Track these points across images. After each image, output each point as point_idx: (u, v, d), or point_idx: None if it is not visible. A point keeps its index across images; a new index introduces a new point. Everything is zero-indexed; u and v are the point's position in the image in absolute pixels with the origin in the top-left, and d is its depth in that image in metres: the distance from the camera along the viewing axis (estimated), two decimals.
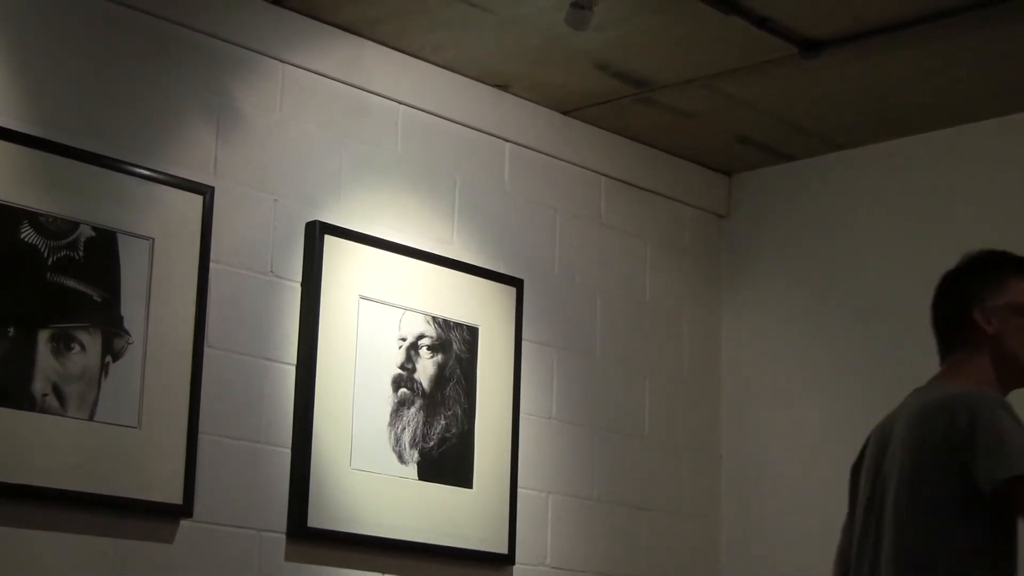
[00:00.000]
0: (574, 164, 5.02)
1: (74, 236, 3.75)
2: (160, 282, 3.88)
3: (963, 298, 3.15)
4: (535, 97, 4.85)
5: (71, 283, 3.73)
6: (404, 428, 4.36)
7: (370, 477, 4.25)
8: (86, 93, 3.87)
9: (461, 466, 4.45)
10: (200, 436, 3.91)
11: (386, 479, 4.30)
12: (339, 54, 4.38)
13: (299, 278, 4.21)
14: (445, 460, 4.43)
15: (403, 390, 4.38)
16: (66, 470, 3.64)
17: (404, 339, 4.41)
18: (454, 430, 4.47)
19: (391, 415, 4.34)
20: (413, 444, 4.37)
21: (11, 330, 3.60)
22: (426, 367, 4.45)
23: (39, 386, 3.63)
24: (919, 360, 4.88)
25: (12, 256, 3.64)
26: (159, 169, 3.94)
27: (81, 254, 3.75)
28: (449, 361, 4.51)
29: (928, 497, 2.95)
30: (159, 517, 3.82)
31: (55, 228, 3.71)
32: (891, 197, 5.08)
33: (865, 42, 4.37)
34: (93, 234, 3.78)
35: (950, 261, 4.86)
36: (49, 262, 3.69)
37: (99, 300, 3.77)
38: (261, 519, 4.04)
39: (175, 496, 3.83)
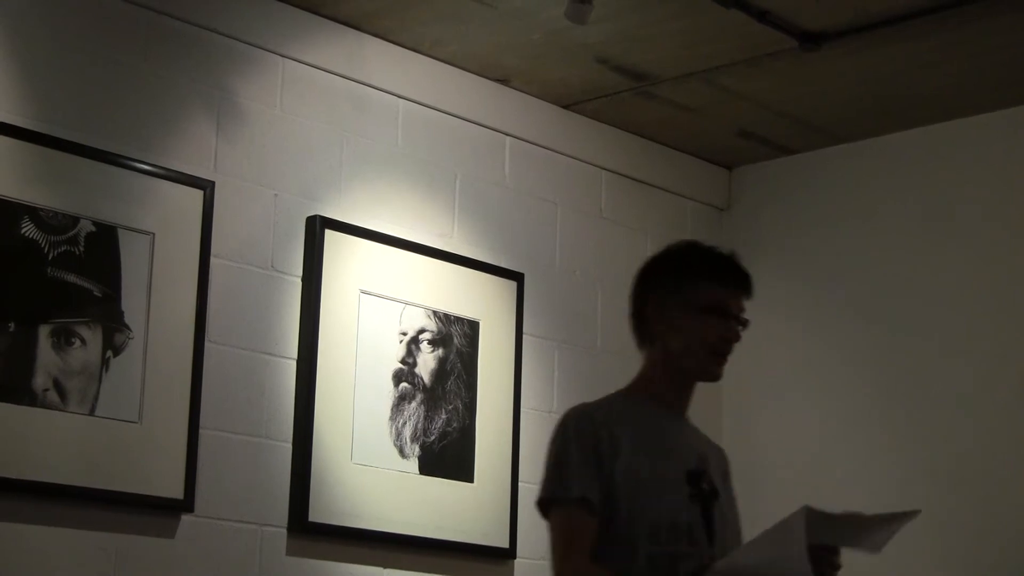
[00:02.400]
0: (574, 158, 5.02)
1: (75, 231, 3.75)
2: (161, 277, 3.88)
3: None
4: (535, 91, 4.85)
5: (72, 278, 3.73)
6: (405, 422, 4.36)
7: (371, 471, 4.25)
8: (86, 88, 3.87)
9: (462, 460, 4.46)
10: (201, 431, 3.91)
11: (387, 473, 4.30)
12: (339, 48, 4.38)
13: (300, 272, 4.21)
14: (446, 454, 4.44)
15: (404, 384, 4.38)
16: (67, 465, 3.65)
17: (405, 333, 4.41)
18: (455, 424, 4.47)
19: (392, 409, 4.34)
20: (414, 438, 4.37)
21: (12, 325, 3.60)
22: (427, 361, 4.45)
23: (40, 381, 3.63)
24: (919, 354, 4.91)
25: (13, 251, 3.64)
26: (159, 164, 3.94)
27: (82, 249, 3.75)
28: (450, 355, 4.51)
29: None
30: (160, 512, 3.82)
31: (56, 223, 3.71)
32: (892, 190, 5.08)
33: (865, 35, 4.36)
34: (94, 229, 3.78)
35: (951, 254, 4.90)
36: (50, 257, 3.69)
37: (100, 295, 3.77)
38: (262, 514, 4.04)
39: (176, 491, 3.83)
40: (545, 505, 2.83)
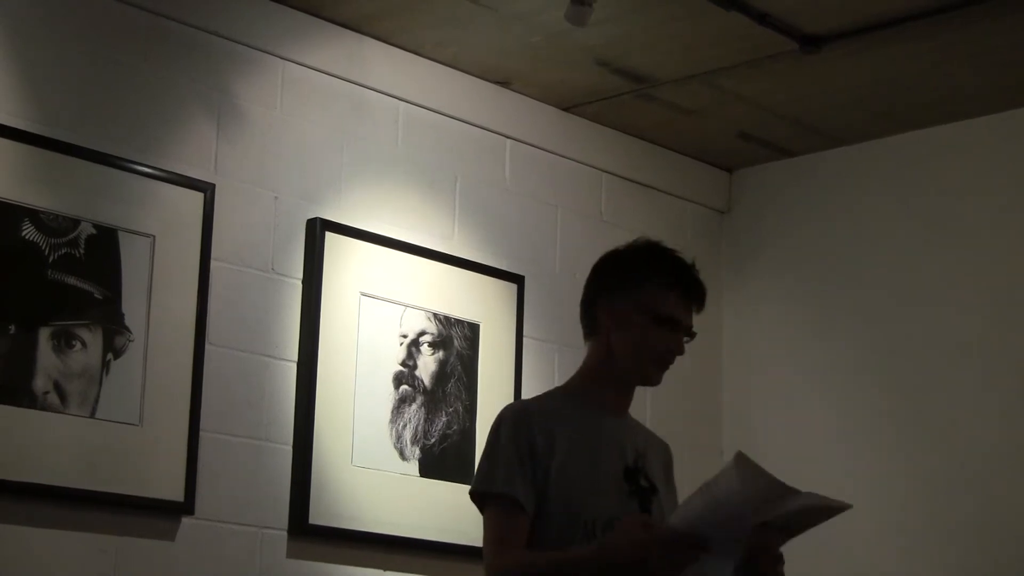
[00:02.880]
0: (575, 160, 5.02)
1: (75, 233, 3.75)
2: (161, 279, 3.88)
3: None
4: (536, 94, 4.85)
5: (72, 280, 3.73)
6: (405, 425, 4.36)
7: (371, 474, 4.25)
8: (87, 90, 3.87)
9: (463, 463, 4.45)
10: (201, 433, 3.91)
11: (387, 476, 4.30)
12: (340, 51, 4.38)
13: (300, 275, 4.21)
14: (446, 457, 4.43)
15: (404, 387, 4.38)
16: (67, 468, 3.64)
17: (405, 336, 4.41)
18: (455, 427, 4.47)
19: (392, 412, 4.34)
20: (414, 441, 4.37)
21: (12, 327, 3.60)
22: (427, 364, 4.45)
23: (40, 384, 3.63)
24: (920, 355, 4.91)
25: (13, 253, 3.63)
26: (160, 166, 3.94)
27: (82, 251, 3.75)
28: (450, 358, 4.51)
29: None
30: (160, 514, 3.82)
31: (56, 225, 3.71)
32: (892, 193, 5.08)
33: (866, 38, 4.36)
34: (94, 231, 3.78)
35: (952, 256, 4.90)
36: (50, 259, 3.69)
37: (100, 297, 3.77)
38: (262, 516, 4.04)
39: (176, 493, 3.83)
40: (477, 499, 2.86)
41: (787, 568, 5.27)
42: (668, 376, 3.01)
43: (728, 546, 2.64)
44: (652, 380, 2.94)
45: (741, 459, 2.63)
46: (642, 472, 2.91)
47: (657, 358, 2.90)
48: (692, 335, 2.94)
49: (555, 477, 2.79)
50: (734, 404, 5.34)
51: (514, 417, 2.86)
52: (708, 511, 2.59)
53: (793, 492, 2.68)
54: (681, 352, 2.93)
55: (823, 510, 2.80)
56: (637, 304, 2.88)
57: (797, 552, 5.01)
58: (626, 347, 2.89)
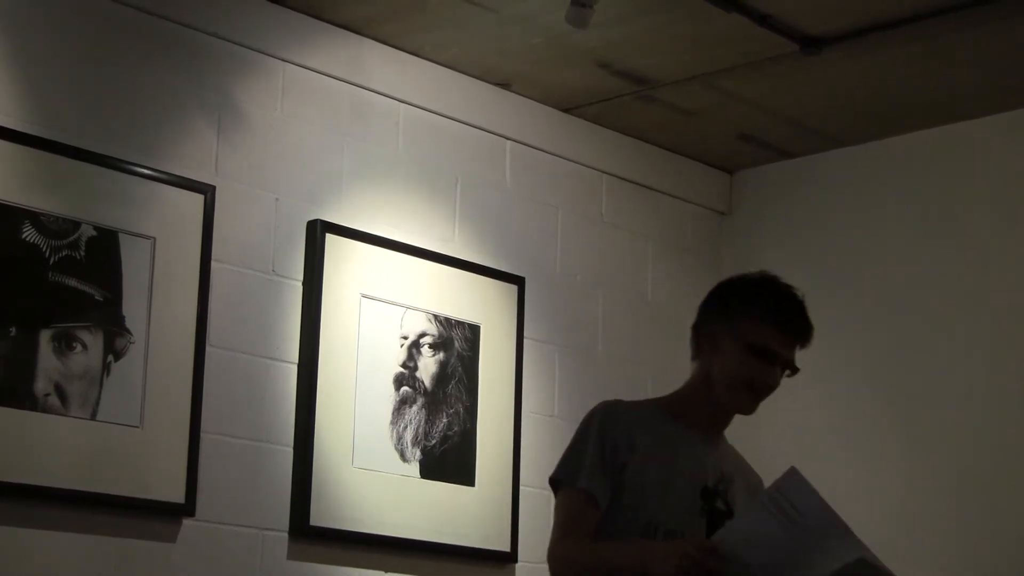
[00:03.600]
0: (575, 162, 5.02)
1: (75, 236, 3.75)
2: (162, 281, 3.88)
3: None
4: (536, 95, 4.85)
5: (73, 283, 3.73)
6: (406, 426, 4.36)
7: (372, 475, 4.25)
8: (87, 93, 3.87)
9: (463, 464, 4.46)
10: (202, 435, 3.92)
11: (388, 477, 4.30)
12: (340, 53, 4.38)
13: (300, 277, 4.21)
14: (447, 458, 4.44)
15: (405, 388, 4.38)
16: (68, 470, 3.65)
17: (406, 337, 4.41)
18: (456, 428, 4.47)
19: (393, 413, 4.34)
20: (415, 442, 4.37)
21: (13, 330, 3.61)
22: (428, 365, 4.45)
23: (41, 386, 3.64)
24: (921, 356, 4.91)
25: (14, 256, 3.64)
26: (160, 168, 3.94)
27: (83, 253, 3.75)
28: (451, 359, 4.51)
29: None
30: (161, 516, 3.82)
31: (56, 228, 3.72)
32: (892, 194, 5.08)
33: (866, 39, 4.36)
34: (95, 233, 3.79)
35: (953, 257, 4.90)
36: (51, 262, 3.69)
37: (101, 299, 3.77)
38: (263, 518, 4.04)
39: (177, 495, 3.83)
40: (554, 484, 2.91)
41: None
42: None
43: None
44: (744, 409, 2.97)
45: (793, 471, 2.62)
46: (721, 495, 2.95)
47: (749, 387, 2.92)
48: (794, 370, 2.98)
49: (629, 477, 2.84)
50: None
51: (604, 413, 2.92)
52: (752, 529, 2.60)
53: (845, 530, 2.63)
54: (775, 385, 2.96)
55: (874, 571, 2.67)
56: (736, 332, 2.92)
57: None
58: (722, 374, 2.93)
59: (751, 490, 3.04)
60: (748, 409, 2.98)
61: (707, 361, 2.96)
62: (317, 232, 4.23)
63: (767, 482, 2.82)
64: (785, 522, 2.59)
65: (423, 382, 4.42)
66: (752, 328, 2.91)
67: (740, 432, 5.42)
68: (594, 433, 2.88)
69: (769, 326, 2.92)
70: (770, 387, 2.95)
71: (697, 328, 3.00)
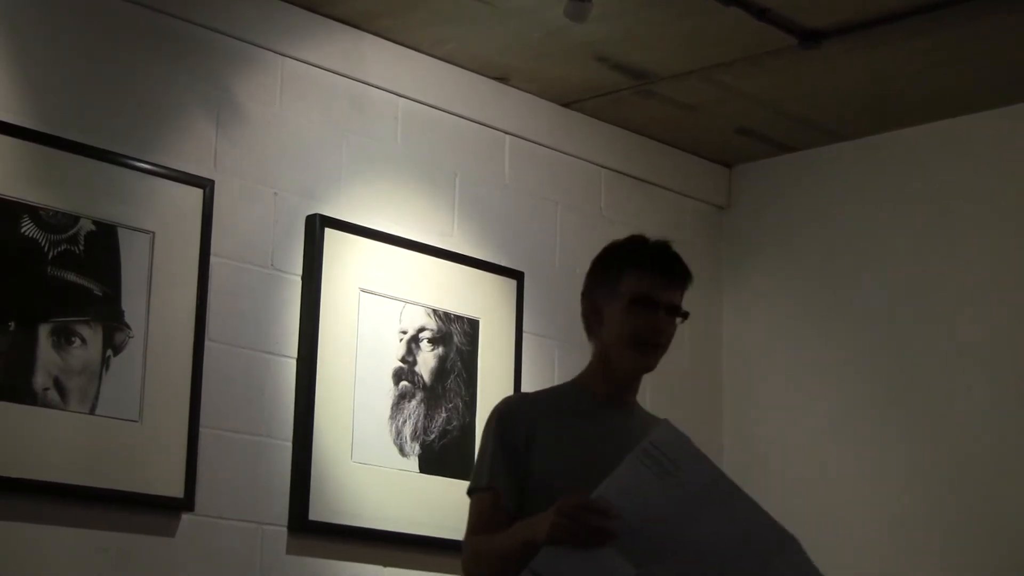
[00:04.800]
0: (574, 156, 5.02)
1: (74, 230, 3.75)
2: (161, 276, 3.88)
3: None
4: (535, 89, 4.85)
5: (72, 277, 3.73)
6: (405, 421, 4.36)
7: (371, 470, 4.25)
8: (86, 87, 3.87)
9: (462, 459, 4.45)
10: (201, 430, 3.91)
11: (387, 472, 4.30)
12: (339, 47, 4.38)
13: (299, 271, 4.21)
14: (446, 453, 4.44)
15: (404, 383, 4.38)
16: (67, 464, 3.65)
17: (405, 332, 4.41)
18: (455, 423, 4.47)
19: (392, 408, 4.34)
20: (414, 437, 4.37)
21: (12, 324, 3.61)
22: (427, 360, 4.45)
23: (40, 380, 3.64)
24: (920, 352, 4.91)
25: (13, 250, 3.64)
26: (159, 163, 3.94)
27: (82, 248, 3.75)
28: (450, 354, 4.51)
29: None
30: (160, 511, 3.82)
31: (55, 222, 3.71)
32: (891, 188, 5.08)
33: (865, 33, 4.36)
34: (93, 228, 3.78)
35: (951, 251, 4.89)
36: (50, 256, 3.69)
37: (100, 294, 3.77)
38: (262, 512, 4.04)
39: (176, 490, 3.83)
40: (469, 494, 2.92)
41: None
42: (667, 369, 2.99)
43: (635, 540, 2.52)
44: (643, 366, 2.90)
45: (666, 423, 2.56)
46: None
47: (640, 340, 2.86)
48: (682, 315, 2.90)
49: (536, 473, 2.81)
50: (733, 400, 5.33)
51: (499, 412, 2.90)
52: (629, 483, 2.52)
53: (731, 488, 2.59)
54: (664, 331, 2.87)
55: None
56: (612, 292, 2.87)
57: None
58: (612, 338, 2.87)
59: None
60: (647, 364, 2.89)
61: (598, 333, 2.91)
62: (316, 226, 4.23)
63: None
64: (662, 475, 2.54)
65: (422, 377, 4.42)
66: (627, 282, 2.85)
67: (740, 432, 5.42)
68: (493, 434, 2.85)
69: (643, 273, 2.85)
70: (661, 334, 2.86)
71: (583, 309, 2.94)
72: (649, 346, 2.87)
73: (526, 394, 3.03)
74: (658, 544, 2.53)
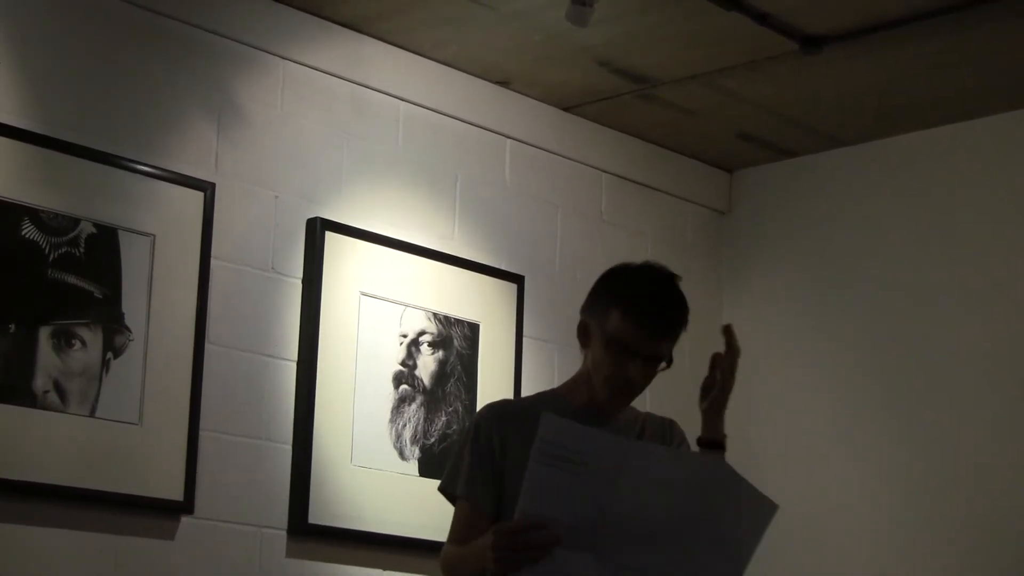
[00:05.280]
0: (575, 160, 5.02)
1: (75, 233, 3.75)
2: (161, 278, 3.88)
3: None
4: (536, 94, 4.85)
5: (72, 279, 3.73)
6: (405, 424, 4.36)
7: (371, 473, 4.25)
8: (87, 90, 3.87)
9: None
10: (201, 433, 3.91)
11: (387, 475, 4.30)
12: (340, 50, 4.38)
13: (300, 274, 4.21)
14: (446, 457, 4.43)
15: (404, 386, 4.38)
16: (67, 467, 3.64)
17: (405, 335, 4.41)
18: (455, 426, 4.47)
19: (392, 411, 4.34)
20: (414, 440, 4.37)
21: (12, 327, 3.60)
22: (427, 363, 4.45)
23: (40, 383, 3.63)
24: (920, 356, 4.91)
25: (13, 252, 3.63)
26: (160, 165, 3.94)
27: (82, 250, 3.75)
28: (450, 357, 4.51)
29: None
30: (160, 514, 3.82)
31: (56, 225, 3.71)
32: (892, 193, 5.08)
33: (866, 38, 4.36)
34: (94, 230, 3.78)
35: (952, 256, 4.90)
36: (50, 259, 3.69)
37: (100, 296, 3.77)
38: (262, 516, 4.04)
39: (176, 493, 3.83)
40: (443, 494, 2.92)
41: (783, 566, 5.29)
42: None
43: (584, 535, 2.49)
44: (613, 404, 2.88)
45: (547, 418, 2.52)
46: None
47: (615, 383, 2.84)
48: (663, 362, 2.87)
49: (508, 484, 2.80)
50: (734, 404, 5.29)
51: (479, 418, 2.90)
52: (543, 487, 2.49)
53: (642, 449, 2.57)
54: (637, 381, 2.85)
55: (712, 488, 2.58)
56: (600, 326, 2.85)
57: (796, 550, 5.02)
58: (592, 367, 2.87)
59: (658, 437, 2.98)
60: (619, 404, 2.88)
61: (585, 352, 2.91)
62: (316, 230, 4.23)
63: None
64: (570, 467, 2.49)
65: (422, 380, 4.42)
66: (612, 321, 2.82)
67: (740, 435, 5.43)
68: (470, 441, 2.86)
69: (628, 320, 2.80)
70: (630, 382, 2.84)
71: (579, 322, 2.93)
72: (619, 391, 2.85)
73: (509, 401, 3.03)
74: (606, 531, 2.50)
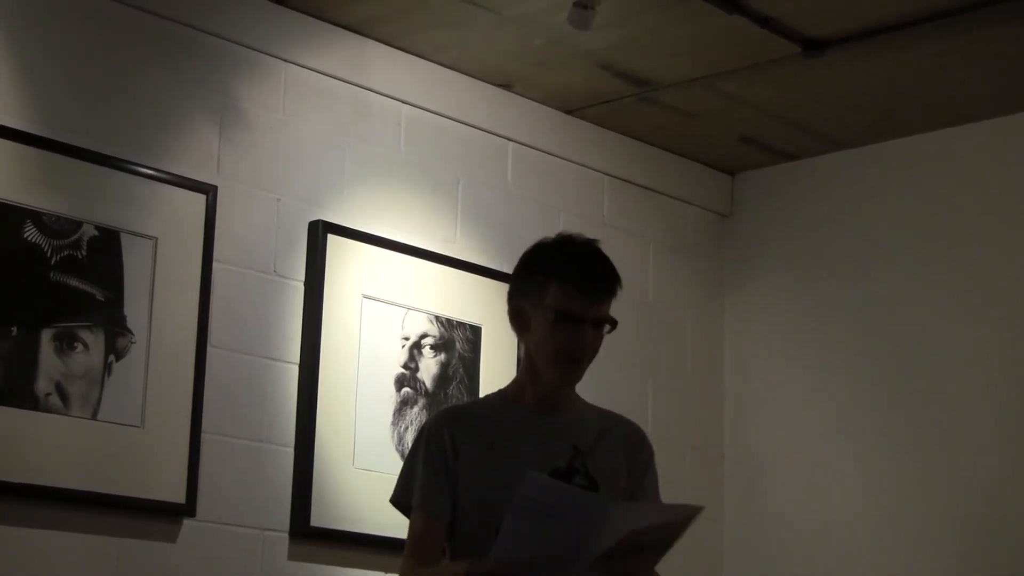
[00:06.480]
0: (577, 164, 5.02)
1: (77, 235, 3.75)
2: (163, 281, 3.88)
3: None
4: (538, 97, 4.85)
5: (74, 282, 3.73)
6: (407, 427, 4.36)
7: (373, 476, 4.25)
8: (89, 93, 3.87)
9: None
10: (203, 435, 3.91)
11: (389, 478, 4.24)
12: (342, 53, 4.39)
13: (302, 277, 4.21)
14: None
15: (406, 389, 4.38)
16: (69, 469, 3.65)
17: (407, 338, 4.41)
18: None
19: (394, 414, 4.34)
20: None
21: (14, 329, 3.61)
22: (429, 366, 4.45)
23: (42, 385, 3.64)
24: (920, 358, 4.91)
25: (15, 255, 3.64)
26: (162, 168, 3.94)
27: (84, 253, 3.75)
28: (452, 360, 4.51)
29: None
30: (162, 516, 3.82)
31: (58, 227, 3.72)
32: (893, 196, 5.08)
33: (868, 42, 4.36)
34: (96, 233, 3.79)
35: (953, 259, 4.90)
36: (52, 261, 3.69)
37: (102, 299, 3.77)
38: (264, 518, 4.04)
39: (178, 495, 3.83)
40: (395, 505, 2.89)
41: (785, 566, 5.27)
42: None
43: (553, 565, 2.54)
44: (567, 380, 2.85)
45: (531, 477, 2.55)
46: (580, 471, 2.82)
47: (564, 357, 2.80)
48: (610, 323, 2.82)
49: (462, 489, 2.79)
50: (735, 406, 5.33)
51: (429, 425, 2.88)
52: (521, 537, 2.53)
53: (621, 508, 2.58)
54: (591, 347, 2.81)
55: (676, 523, 2.59)
56: (539, 305, 2.81)
57: (796, 549, 5.02)
58: (536, 349, 2.83)
59: (623, 446, 2.91)
60: (571, 379, 2.84)
61: (524, 339, 2.86)
62: (319, 232, 4.23)
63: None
64: (551, 523, 2.52)
65: (424, 383, 4.42)
66: (552, 297, 2.78)
67: (741, 437, 5.42)
68: (421, 450, 2.83)
69: (568, 289, 2.77)
70: (584, 350, 2.80)
71: (509, 312, 2.89)
72: (574, 361, 2.82)
73: (457, 406, 3.02)
74: (572, 561, 2.53)
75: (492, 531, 2.64)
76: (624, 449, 2.92)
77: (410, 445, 2.97)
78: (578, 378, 2.87)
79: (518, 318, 2.87)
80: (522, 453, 2.81)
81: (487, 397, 3.03)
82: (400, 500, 2.88)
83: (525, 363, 2.90)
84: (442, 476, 2.80)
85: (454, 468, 2.80)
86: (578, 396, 2.95)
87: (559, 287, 2.79)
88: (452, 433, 2.82)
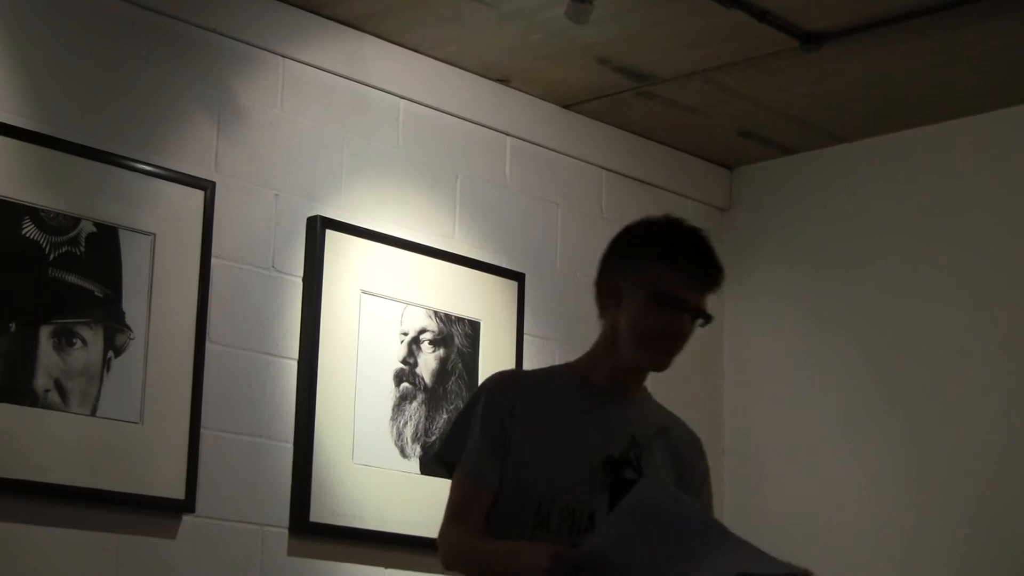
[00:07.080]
0: (575, 158, 5.02)
1: (75, 232, 3.75)
2: (162, 277, 3.88)
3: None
4: (536, 91, 4.85)
5: (73, 279, 3.73)
6: (406, 423, 4.36)
7: (372, 472, 4.25)
8: (87, 89, 3.87)
9: None
10: (202, 431, 3.92)
11: (388, 474, 4.30)
12: (340, 48, 4.38)
13: (300, 273, 4.21)
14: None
15: (405, 384, 4.38)
16: (68, 466, 3.65)
17: (406, 334, 4.41)
18: None
19: (393, 409, 4.34)
20: (415, 439, 4.37)
21: (13, 326, 3.61)
22: (428, 361, 4.45)
23: (41, 382, 3.64)
24: (920, 353, 4.91)
25: (14, 252, 3.64)
26: (160, 164, 3.94)
27: (82, 250, 3.75)
28: (451, 355, 4.51)
29: None
30: (161, 512, 3.82)
31: (56, 224, 3.71)
32: (892, 190, 5.08)
33: (866, 35, 4.36)
34: (94, 230, 3.78)
35: (952, 253, 4.90)
36: (51, 258, 3.69)
37: (101, 296, 3.77)
38: (263, 514, 4.04)
39: (177, 491, 3.83)
40: (442, 463, 2.79)
41: (788, 561, 5.25)
42: (668, 371, 2.92)
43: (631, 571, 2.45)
44: (655, 365, 2.75)
45: (648, 482, 2.50)
46: (632, 463, 2.72)
47: (659, 341, 2.70)
48: (706, 318, 2.72)
49: (513, 456, 2.69)
50: (735, 401, 5.33)
51: (490, 389, 2.77)
52: (620, 537, 2.45)
53: (721, 531, 2.48)
54: (686, 335, 2.71)
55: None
56: (639, 282, 2.69)
57: (796, 550, 5.01)
58: (627, 328, 2.71)
59: (680, 452, 2.82)
60: (660, 365, 2.74)
61: (611, 316, 2.74)
62: (317, 228, 4.23)
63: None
64: (648, 524, 2.44)
65: (423, 378, 4.43)
66: (655, 275, 2.68)
67: (741, 433, 5.42)
68: (480, 411, 2.72)
69: (674, 271, 2.67)
70: (680, 338, 2.70)
71: (599, 282, 2.77)
72: (664, 348, 2.72)
73: (519, 372, 2.89)
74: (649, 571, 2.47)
75: (529, 509, 2.60)
76: (678, 454, 2.84)
77: (463, 405, 2.80)
78: (665, 366, 2.76)
79: (612, 293, 2.74)
80: (579, 435, 2.72)
81: (555, 367, 2.91)
82: (446, 457, 2.76)
83: (603, 342, 2.78)
84: (498, 442, 2.69)
85: (508, 435, 2.69)
86: (646, 389, 2.86)
87: (668, 268, 2.69)
88: (513, 400, 2.72)
